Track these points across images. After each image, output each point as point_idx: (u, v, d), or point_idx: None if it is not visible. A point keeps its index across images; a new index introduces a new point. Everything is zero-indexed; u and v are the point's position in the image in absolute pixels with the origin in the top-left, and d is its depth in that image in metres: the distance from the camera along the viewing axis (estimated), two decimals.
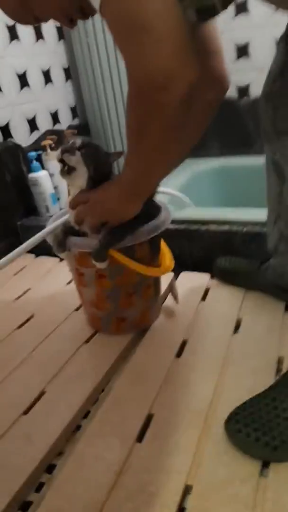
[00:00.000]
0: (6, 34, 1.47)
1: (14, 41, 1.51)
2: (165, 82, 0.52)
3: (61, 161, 0.80)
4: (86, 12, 0.70)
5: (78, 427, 0.79)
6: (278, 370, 0.85)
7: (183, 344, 0.95)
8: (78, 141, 0.80)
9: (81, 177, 0.81)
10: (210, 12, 0.70)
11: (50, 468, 0.72)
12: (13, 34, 1.50)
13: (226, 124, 1.77)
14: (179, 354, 0.92)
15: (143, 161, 0.65)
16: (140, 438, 0.74)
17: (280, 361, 0.87)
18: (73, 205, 0.83)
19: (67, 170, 0.80)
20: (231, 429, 0.69)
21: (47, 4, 0.68)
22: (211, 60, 0.79)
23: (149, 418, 0.77)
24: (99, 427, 0.77)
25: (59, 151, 0.80)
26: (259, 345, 0.92)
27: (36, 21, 0.72)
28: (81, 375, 0.89)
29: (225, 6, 0.71)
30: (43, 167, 1.51)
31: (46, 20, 0.72)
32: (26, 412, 0.82)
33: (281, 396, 0.71)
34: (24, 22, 0.73)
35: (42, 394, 0.86)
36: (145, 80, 0.53)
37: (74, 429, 0.79)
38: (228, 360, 0.88)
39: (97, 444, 0.73)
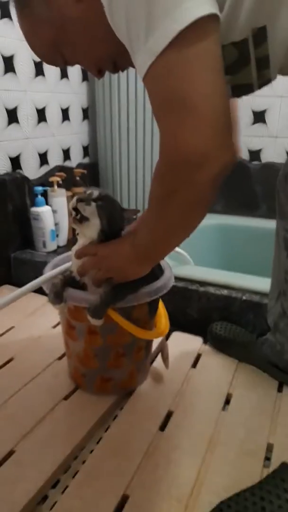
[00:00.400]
0: (32, 69, 1.49)
1: (39, 77, 1.53)
2: (200, 161, 0.51)
3: (75, 209, 0.77)
4: (118, 67, 0.70)
5: (45, 497, 0.72)
6: (267, 458, 0.80)
7: (168, 415, 0.89)
8: (96, 192, 0.79)
9: (93, 228, 0.78)
10: (245, 90, 0.70)
11: None
12: (39, 70, 1.52)
13: (233, 184, 1.79)
14: (163, 426, 0.86)
15: (164, 229, 0.63)
16: None
17: (269, 449, 0.82)
18: (80, 255, 0.80)
19: (80, 219, 0.78)
20: None
21: (80, 53, 0.68)
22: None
23: (124, 499, 0.71)
24: (69, 502, 0.70)
25: (74, 199, 0.78)
26: (248, 427, 0.86)
27: (63, 64, 0.72)
28: (55, 437, 0.83)
29: (260, 87, 0.71)
30: (47, 203, 1.49)
31: (74, 65, 0.72)
32: None
33: (270, 496, 0.66)
34: (52, 63, 0.73)
35: (11, 453, 0.79)
36: (180, 157, 0.52)
37: (40, 500, 0.72)
38: (214, 440, 0.83)
39: None
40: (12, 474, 0.74)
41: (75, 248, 0.83)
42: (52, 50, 0.68)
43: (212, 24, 0.50)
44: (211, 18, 0.49)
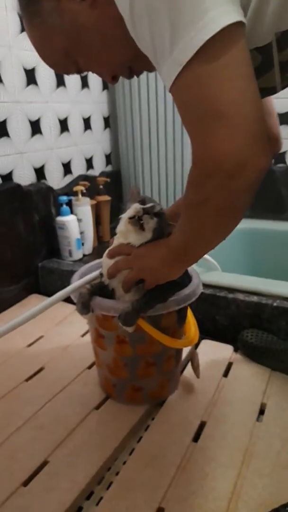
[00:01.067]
0: (54, 80, 1.51)
1: (61, 88, 1.55)
2: (236, 171, 0.50)
3: (137, 217, 0.77)
4: (134, 72, 0.70)
5: (79, 509, 0.72)
6: None
7: (201, 425, 0.88)
8: (157, 207, 0.78)
9: (141, 238, 0.78)
10: (268, 92, 0.69)
11: None
12: (60, 81, 1.54)
13: (259, 188, 1.76)
14: (196, 437, 0.85)
15: (198, 234, 0.63)
16: None
17: None
18: (114, 254, 0.80)
19: (140, 226, 0.77)
20: None
21: (95, 60, 0.67)
22: (269, 120, 0.79)
23: None
24: None
25: (139, 207, 0.77)
26: (285, 438, 0.84)
27: (76, 72, 0.71)
28: (88, 448, 0.82)
29: (283, 88, 0.70)
30: (72, 212, 1.50)
31: (88, 71, 0.71)
32: (25, 483, 0.75)
33: None
34: (64, 72, 0.72)
35: (44, 464, 0.79)
36: (215, 166, 0.51)
37: (75, 511, 0.72)
38: (250, 452, 0.81)
39: None
40: (47, 485, 0.74)
41: (109, 249, 0.83)
42: (65, 58, 0.67)
43: (238, 31, 0.49)
44: (237, 25, 0.48)
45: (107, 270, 0.81)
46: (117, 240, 0.83)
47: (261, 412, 0.92)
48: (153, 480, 0.75)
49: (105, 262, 0.83)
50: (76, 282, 0.89)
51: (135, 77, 0.72)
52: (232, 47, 0.49)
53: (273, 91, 0.69)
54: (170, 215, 0.81)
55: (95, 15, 0.61)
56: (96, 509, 0.71)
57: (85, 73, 0.72)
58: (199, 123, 0.51)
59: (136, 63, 0.66)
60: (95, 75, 0.72)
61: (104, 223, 1.68)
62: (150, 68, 0.67)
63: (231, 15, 0.48)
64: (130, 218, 0.78)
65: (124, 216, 0.80)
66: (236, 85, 0.50)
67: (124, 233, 0.80)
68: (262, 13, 0.54)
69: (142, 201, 0.80)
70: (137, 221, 0.77)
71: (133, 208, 0.79)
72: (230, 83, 0.49)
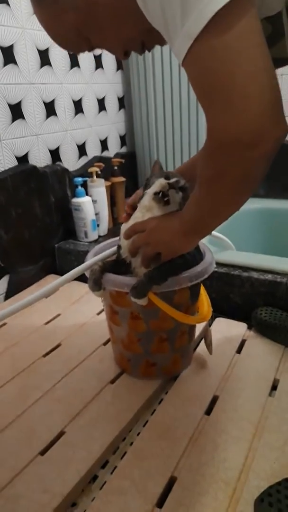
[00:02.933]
0: (67, 61, 1.51)
1: (75, 68, 1.54)
2: (253, 140, 0.50)
3: (163, 192, 0.78)
4: (146, 47, 0.69)
5: (95, 477, 0.75)
6: None
7: (214, 400, 0.89)
8: (182, 181, 0.79)
9: (165, 212, 0.79)
10: (280, 63, 0.68)
11: None
12: (74, 62, 1.53)
13: (275, 167, 1.73)
14: (208, 411, 0.86)
15: (213, 206, 0.63)
16: (161, 502, 0.68)
17: None
18: (129, 234, 0.81)
19: (165, 202, 0.78)
20: None
21: (108, 36, 0.66)
22: None
23: (172, 481, 0.72)
24: (118, 482, 0.72)
25: (165, 182, 0.78)
26: None
27: (88, 50, 0.70)
28: (103, 419, 0.85)
29: None
30: (87, 193, 1.51)
31: (100, 49, 0.71)
32: (43, 452, 0.78)
33: None
34: (75, 50, 0.72)
35: (61, 434, 0.82)
36: (231, 137, 0.51)
37: (90, 479, 0.74)
38: (262, 426, 0.82)
39: (114, 503, 0.68)
40: (63, 454, 0.77)
41: (124, 227, 0.84)
42: (77, 37, 0.66)
43: (248, 0, 0.48)
44: None
45: (128, 252, 0.83)
46: (132, 219, 0.83)
47: (274, 387, 0.92)
48: (166, 451, 0.77)
49: (123, 242, 0.84)
50: (89, 260, 0.91)
51: (149, 55, 0.71)
52: (243, 16, 0.48)
53: (284, 62, 0.68)
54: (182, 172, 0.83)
55: None
56: (111, 477, 0.73)
57: (96, 51, 0.71)
58: (213, 95, 0.51)
59: (148, 37, 0.65)
60: (108, 54, 0.72)
61: (119, 204, 1.68)
62: (162, 42, 0.66)
63: None
64: (156, 193, 0.79)
65: (150, 192, 0.81)
66: (248, 55, 0.49)
67: (149, 207, 0.81)
68: None
69: (167, 176, 0.81)
70: (163, 196, 0.78)
71: (159, 183, 0.79)
72: (243, 53, 0.49)
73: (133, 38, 0.66)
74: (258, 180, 0.57)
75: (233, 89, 0.49)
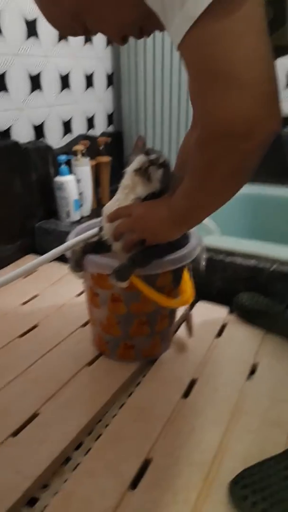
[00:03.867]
0: (55, 33, 1.45)
1: (63, 42, 1.49)
2: (247, 131, 0.48)
3: (143, 169, 0.76)
4: (144, 32, 0.66)
5: (68, 459, 0.73)
6: None
7: (192, 383, 0.88)
8: (162, 157, 0.77)
9: (148, 189, 0.77)
10: (281, 52, 0.65)
11: (32, 501, 0.66)
12: (64, 36, 1.48)
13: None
14: (186, 394, 0.85)
15: (203, 196, 0.61)
16: (134, 484, 0.67)
17: None
18: (113, 217, 0.78)
19: (148, 178, 0.76)
20: (237, 494, 0.63)
21: (106, 20, 0.64)
22: None
23: (146, 463, 0.71)
24: (91, 464, 0.71)
25: (145, 158, 0.76)
26: (274, 396, 0.84)
27: (84, 34, 0.68)
28: (79, 401, 0.83)
29: None
30: (71, 172, 1.47)
31: (96, 33, 0.68)
32: (15, 433, 0.76)
33: None
34: (71, 34, 0.69)
35: (35, 416, 0.80)
36: (225, 127, 0.49)
37: (63, 461, 0.73)
38: (238, 409, 0.82)
39: (86, 484, 0.67)
40: (36, 436, 0.75)
41: (107, 208, 0.81)
42: (73, 20, 0.64)
43: None
44: None
45: (111, 235, 0.80)
46: (115, 199, 0.81)
47: (252, 372, 0.92)
48: (141, 433, 0.76)
49: (106, 225, 0.82)
50: (70, 240, 0.88)
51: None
52: (246, 0, 0.45)
53: (286, 51, 0.65)
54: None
55: None
56: (84, 459, 0.72)
57: (92, 35, 0.69)
58: (208, 81, 0.49)
59: (147, 22, 0.62)
60: None
61: (104, 185, 1.65)
62: (162, 27, 0.63)
63: None
64: (136, 170, 0.76)
65: (129, 169, 0.78)
66: (249, 42, 0.47)
67: (131, 186, 0.78)
68: None
69: (146, 153, 0.78)
70: (144, 172, 0.76)
71: (138, 160, 0.77)
72: (243, 40, 0.46)
73: (131, 22, 0.63)
74: (250, 172, 0.56)
75: (230, 77, 0.47)
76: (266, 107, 0.48)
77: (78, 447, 0.76)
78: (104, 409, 0.82)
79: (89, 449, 0.74)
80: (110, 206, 0.81)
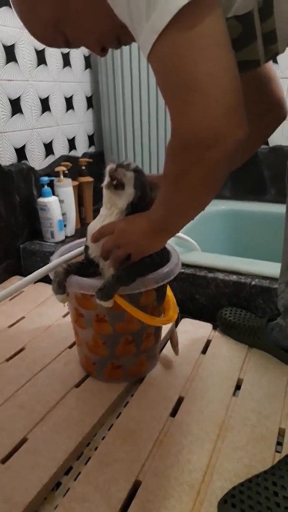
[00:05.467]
0: (34, 57, 1.47)
1: (42, 66, 1.51)
2: (214, 140, 0.50)
3: (112, 176, 0.77)
4: (122, 42, 0.68)
5: (58, 484, 0.73)
6: (279, 443, 0.79)
7: (179, 401, 0.89)
8: (133, 164, 0.79)
9: (125, 198, 0.78)
10: (251, 65, 0.68)
11: None
12: (41, 59, 1.50)
13: (241, 169, 1.76)
14: (174, 412, 0.86)
15: (181, 203, 0.63)
16: (125, 508, 0.67)
17: (281, 433, 0.81)
18: (97, 237, 0.80)
19: (116, 185, 0.77)
20: None
21: (83, 30, 0.66)
22: (269, 84, 0.78)
23: (136, 485, 0.71)
24: (82, 488, 0.71)
25: (113, 165, 0.78)
26: (259, 412, 0.86)
27: (65, 45, 0.69)
28: (67, 425, 0.83)
29: (267, 61, 0.70)
30: (53, 193, 1.48)
31: (77, 46, 0.70)
32: (4, 461, 0.75)
33: (282, 481, 0.65)
34: (53, 45, 0.71)
35: (23, 441, 0.79)
36: (192, 137, 0.51)
37: (54, 487, 0.72)
38: (225, 426, 0.83)
39: (77, 510, 0.67)
40: (26, 462, 0.75)
41: (91, 227, 0.82)
42: (53, 30, 0.66)
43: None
44: None
45: (100, 256, 0.81)
46: (99, 218, 0.82)
47: (238, 387, 0.93)
48: (130, 455, 0.76)
49: (91, 245, 0.83)
50: (54, 261, 0.89)
51: (117, 55, 0.71)
52: (208, 14, 0.48)
53: (256, 64, 0.68)
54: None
55: None
56: (75, 484, 0.72)
57: (74, 47, 0.71)
58: (176, 93, 0.51)
59: (123, 32, 0.63)
60: (77, 52, 0.71)
61: (87, 205, 1.67)
62: None
63: None
64: (106, 182, 0.78)
65: (103, 185, 0.80)
66: (211, 54, 0.49)
67: (109, 200, 0.80)
68: None
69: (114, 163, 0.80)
70: (111, 183, 0.77)
71: (107, 170, 0.79)
72: (206, 52, 0.49)
73: (108, 32, 0.65)
74: (220, 180, 0.58)
75: (194, 88, 0.49)
76: (230, 116, 0.50)
77: (68, 471, 0.75)
78: (93, 431, 0.82)
79: (79, 474, 0.74)
80: (94, 224, 0.83)
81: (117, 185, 0.78)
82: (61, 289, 0.82)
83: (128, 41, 0.68)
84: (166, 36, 0.48)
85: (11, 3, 0.67)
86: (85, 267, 0.86)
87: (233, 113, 0.50)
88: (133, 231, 0.75)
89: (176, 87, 0.51)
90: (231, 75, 0.50)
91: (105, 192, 0.80)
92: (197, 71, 0.49)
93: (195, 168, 0.55)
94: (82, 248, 0.93)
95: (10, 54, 1.37)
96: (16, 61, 1.40)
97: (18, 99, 1.43)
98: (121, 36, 0.66)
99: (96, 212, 0.86)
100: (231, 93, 0.50)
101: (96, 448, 0.79)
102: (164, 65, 0.51)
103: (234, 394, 0.92)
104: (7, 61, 1.37)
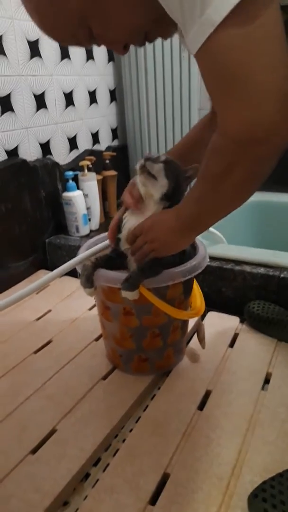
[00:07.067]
0: (58, 52, 1.48)
1: (65, 60, 1.52)
2: (266, 136, 0.49)
3: (142, 168, 0.78)
4: (149, 38, 0.65)
5: (87, 475, 0.74)
6: None
7: (207, 395, 0.88)
8: (163, 157, 0.80)
9: (158, 189, 0.78)
10: None
11: None
12: (64, 53, 1.51)
13: None
14: (201, 405, 0.86)
15: (218, 202, 0.62)
16: (154, 500, 0.67)
17: None
18: (132, 239, 0.80)
19: (148, 173, 0.78)
20: (257, 507, 0.62)
21: (114, 24, 0.60)
22: None
23: (165, 478, 0.71)
24: (110, 480, 0.71)
25: (142, 159, 0.78)
26: None
27: (87, 42, 0.64)
28: (95, 416, 0.84)
29: None
30: (78, 187, 1.49)
31: (100, 43, 0.65)
32: (34, 451, 0.77)
33: None
34: (73, 42, 0.65)
35: (52, 432, 0.81)
36: (244, 133, 0.50)
37: (82, 477, 0.73)
38: (254, 420, 0.81)
39: (106, 501, 0.67)
40: (55, 453, 0.76)
41: (126, 220, 0.83)
42: (78, 25, 0.60)
43: None
44: None
45: (131, 254, 0.82)
46: (146, 201, 0.82)
47: (267, 381, 0.92)
48: (158, 447, 0.76)
49: (122, 233, 0.83)
50: (81, 254, 0.89)
51: (140, 48, 0.68)
52: (266, 7, 0.46)
53: None
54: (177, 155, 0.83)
55: None
56: (103, 475, 0.73)
57: (96, 45, 0.66)
58: (227, 88, 0.50)
59: (154, 28, 0.62)
60: (101, 47, 0.68)
61: (111, 198, 1.67)
62: (166, 34, 0.64)
63: None
64: (139, 169, 0.79)
65: (136, 179, 0.81)
66: (267, 48, 0.48)
67: (145, 194, 0.80)
68: None
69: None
70: (143, 169, 0.77)
71: (138, 164, 0.79)
72: (262, 46, 0.47)
73: (140, 27, 0.62)
74: (266, 175, 0.57)
75: (251, 82, 0.48)
76: (283, 112, 0.49)
77: (96, 463, 0.76)
78: (120, 423, 0.83)
79: (108, 465, 0.74)
80: (130, 218, 0.83)
81: (150, 176, 0.78)
82: (89, 283, 0.82)
83: (156, 37, 0.65)
84: (222, 29, 0.47)
85: None
86: (113, 260, 0.87)
87: (287, 108, 0.49)
88: (160, 227, 0.74)
89: (228, 82, 0.50)
90: (284, 69, 0.48)
91: (139, 180, 0.80)
92: (254, 64, 0.47)
93: (242, 164, 0.54)
94: (107, 242, 0.93)
95: (34, 49, 1.38)
96: (40, 56, 1.40)
97: (42, 94, 1.44)
98: (149, 32, 0.63)
99: (119, 205, 0.86)
100: (284, 86, 0.48)
101: (124, 440, 0.79)
102: (218, 58, 0.49)
103: (263, 388, 0.90)
104: (31, 56, 1.37)
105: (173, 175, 0.78)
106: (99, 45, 0.66)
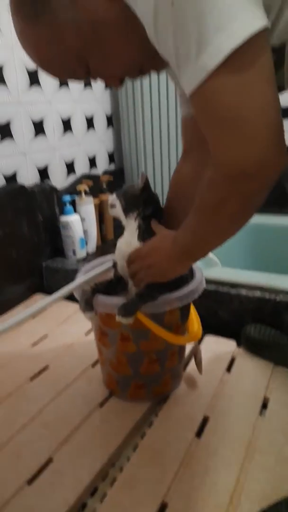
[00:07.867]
0: (56, 80, 1.52)
1: (63, 88, 1.56)
2: (256, 171, 0.51)
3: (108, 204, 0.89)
4: (144, 72, 0.67)
5: (84, 505, 0.73)
6: None
7: (204, 421, 0.88)
8: (125, 186, 0.88)
9: (120, 211, 0.87)
10: (279, 90, 0.69)
11: None
12: (63, 81, 1.55)
13: None
14: (199, 432, 0.85)
15: (212, 232, 0.64)
16: None
17: None
18: (127, 264, 0.83)
19: (110, 207, 0.88)
20: None
21: (111, 60, 0.62)
22: None
23: (163, 507, 0.70)
24: (108, 510, 0.70)
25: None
26: (287, 432, 0.84)
27: (84, 76, 0.65)
28: (92, 445, 0.83)
29: None
30: (75, 211, 1.51)
31: (96, 77, 0.66)
32: (30, 481, 0.76)
33: None
34: (71, 76, 0.66)
35: (49, 462, 0.80)
36: (237, 169, 0.52)
37: (79, 508, 0.72)
38: (252, 446, 0.81)
39: None
40: (51, 483, 0.75)
41: (120, 244, 0.87)
42: (75, 61, 0.61)
43: (265, 36, 0.48)
44: (264, 31, 0.47)
45: (129, 277, 0.84)
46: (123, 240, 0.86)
47: (264, 406, 0.91)
48: (156, 476, 0.75)
49: (120, 259, 0.87)
50: (78, 279, 0.90)
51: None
52: (261, 53, 0.48)
53: (280, 89, 0.69)
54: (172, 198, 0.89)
55: (115, 8, 0.56)
56: (100, 506, 0.72)
57: (92, 79, 0.68)
58: (222, 127, 0.51)
59: (149, 63, 0.64)
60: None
61: (108, 222, 1.68)
62: (160, 67, 0.66)
63: (259, 20, 0.47)
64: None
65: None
66: (261, 91, 0.49)
67: (114, 214, 0.88)
68: (283, 14, 0.53)
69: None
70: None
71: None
72: (256, 89, 0.49)
73: (135, 62, 0.63)
74: (257, 207, 0.58)
75: (243, 122, 0.50)
76: (275, 147, 0.50)
77: (93, 492, 0.75)
78: (118, 452, 0.82)
79: (105, 495, 0.73)
80: (122, 242, 0.86)
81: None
82: (89, 306, 0.83)
83: (150, 70, 0.67)
84: (216, 75, 0.48)
85: (19, 27, 0.61)
86: (114, 285, 0.88)
87: (277, 144, 0.51)
88: (157, 254, 0.76)
89: (220, 123, 0.51)
90: (277, 109, 0.50)
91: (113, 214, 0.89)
92: (247, 105, 0.49)
93: (235, 198, 0.56)
94: (103, 266, 0.94)
95: (34, 78, 1.42)
96: (39, 84, 1.44)
97: (41, 121, 1.47)
98: (144, 65, 0.65)
99: (116, 229, 0.89)
100: (276, 126, 0.50)
101: (121, 469, 0.78)
102: (209, 102, 0.51)
103: (260, 413, 0.90)
104: (31, 85, 1.41)
105: (125, 196, 0.86)
106: (95, 79, 0.68)
